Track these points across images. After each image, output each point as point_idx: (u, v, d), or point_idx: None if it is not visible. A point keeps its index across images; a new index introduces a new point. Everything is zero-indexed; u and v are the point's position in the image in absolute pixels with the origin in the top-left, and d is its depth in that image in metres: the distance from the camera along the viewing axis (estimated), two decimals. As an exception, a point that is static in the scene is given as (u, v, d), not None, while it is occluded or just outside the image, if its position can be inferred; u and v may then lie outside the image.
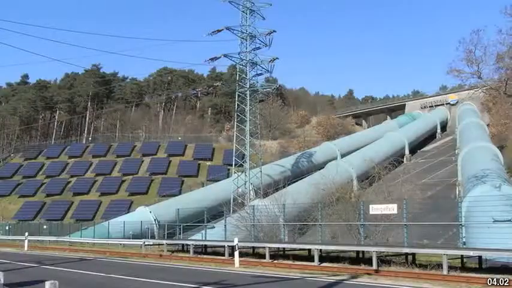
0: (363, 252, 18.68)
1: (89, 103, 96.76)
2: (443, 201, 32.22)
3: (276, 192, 31.49)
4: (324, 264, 17.69)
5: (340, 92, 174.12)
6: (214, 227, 27.26)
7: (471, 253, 15.26)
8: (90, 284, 13.81)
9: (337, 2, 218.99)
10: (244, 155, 40.87)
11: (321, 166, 47.43)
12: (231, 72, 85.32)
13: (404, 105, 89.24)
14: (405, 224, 17.31)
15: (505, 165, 38.38)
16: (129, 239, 33.41)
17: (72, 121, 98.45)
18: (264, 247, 20.53)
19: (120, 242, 33.09)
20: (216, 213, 31.46)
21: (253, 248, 22.82)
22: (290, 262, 18.87)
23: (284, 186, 32.75)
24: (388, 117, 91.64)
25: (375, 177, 31.06)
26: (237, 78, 41.83)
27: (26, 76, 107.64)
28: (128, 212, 44.08)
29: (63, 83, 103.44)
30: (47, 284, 7.63)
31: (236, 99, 41.06)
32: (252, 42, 39.96)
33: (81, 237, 37.29)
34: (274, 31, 39.72)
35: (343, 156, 52.90)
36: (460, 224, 17.31)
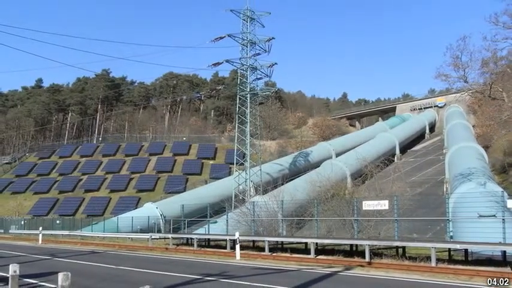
0: (357, 245, 18.67)
1: (99, 105, 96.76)
2: (431, 197, 32.18)
3: (275, 189, 31.45)
4: (320, 256, 17.68)
5: (335, 95, 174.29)
6: (216, 222, 27.22)
7: (458, 246, 15.27)
8: (100, 275, 13.80)
9: (332, 11, 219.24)
10: (244, 154, 40.86)
11: (317, 165, 47.37)
12: (233, 76, 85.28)
13: (395, 107, 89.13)
14: (396, 219, 17.32)
15: (489, 163, 38.36)
16: (137, 233, 33.38)
17: (83, 122, 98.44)
18: (264, 241, 20.52)
19: (129, 236, 33.06)
20: (218, 209, 31.44)
21: (253, 241, 22.81)
22: (288, 255, 18.86)
23: (282, 184, 32.77)
24: (380, 118, 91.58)
25: (367, 175, 31.06)
26: (238, 82, 41.86)
27: (40, 80, 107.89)
28: (135, 208, 44.09)
29: (75, 87, 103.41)
30: (60, 275, 7.63)
31: (237, 102, 41.07)
32: (252, 48, 40.00)
33: (92, 231, 37.24)
34: (273, 38, 39.82)
35: (337, 155, 52.84)
36: (448, 219, 17.33)
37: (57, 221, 44.83)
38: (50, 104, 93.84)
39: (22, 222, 48.01)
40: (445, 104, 76.39)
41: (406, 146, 62.63)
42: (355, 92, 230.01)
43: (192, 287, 11.32)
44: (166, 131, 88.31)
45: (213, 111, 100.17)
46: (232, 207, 30.54)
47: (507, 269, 12.89)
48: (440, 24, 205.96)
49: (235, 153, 40.98)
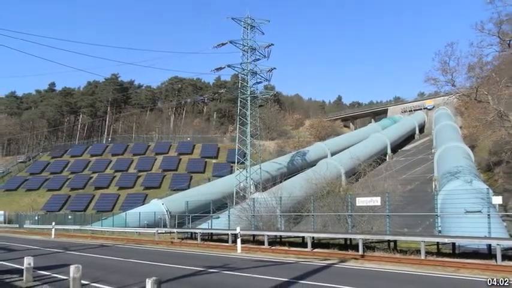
0: (351, 239, 18.68)
1: (109, 108, 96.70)
2: (421, 194, 32.17)
3: (274, 186, 31.42)
4: (316, 250, 17.69)
5: (331, 98, 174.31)
6: (219, 217, 27.21)
7: (446, 240, 15.29)
8: (110, 267, 13.80)
9: (328, 18, 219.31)
10: (245, 153, 40.88)
11: (313, 163, 47.38)
12: (234, 80, 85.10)
13: (387, 109, 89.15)
14: (388, 215, 17.32)
15: (475, 162, 38.37)
16: (144, 227, 33.40)
17: (93, 124, 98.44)
18: (263, 235, 20.54)
19: (136, 231, 33.07)
20: (220, 205, 31.41)
21: (254, 235, 22.82)
22: (286, 248, 18.86)
23: (281, 181, 32.68)
24: (373, 120, 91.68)
25: (361, 173, 30.99)
26: (239, 86, 41.90)
27: (53, 84, 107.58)
28: (143, 204, 44.05)
29: (86, 90, 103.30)
30: (72, 267, 7.65)
31: (238, 104, 41.11)
32: (253, 54, 40.02)
33: (101, 226, 37.25)
34: (272, 44, 39.86)
35: (332, 154, 52.87)
36: (436, 215, 17.34)
37: (69, 217, 44.87)
38: (62, 106, 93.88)
39: (36, 218, 48.06)
40: (433, 107, 76.42)
41: (397, 146, 62.60)
42: (350, 95, 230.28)
43: (196, 279, 11.32)
44: (171, 131, 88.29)
45: (215, 113, 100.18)
46: (234, 203, 30.56)
47: (492, 262, 12.90)
48: (429, 31, 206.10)
49: (236, 153, 41.01)
